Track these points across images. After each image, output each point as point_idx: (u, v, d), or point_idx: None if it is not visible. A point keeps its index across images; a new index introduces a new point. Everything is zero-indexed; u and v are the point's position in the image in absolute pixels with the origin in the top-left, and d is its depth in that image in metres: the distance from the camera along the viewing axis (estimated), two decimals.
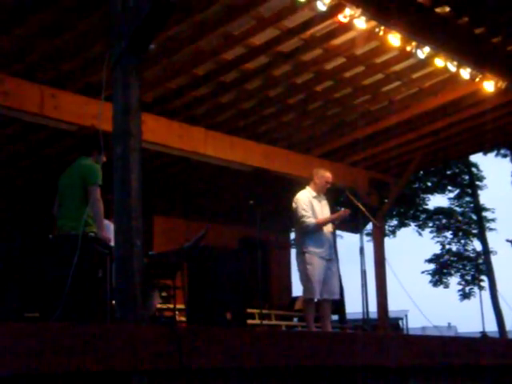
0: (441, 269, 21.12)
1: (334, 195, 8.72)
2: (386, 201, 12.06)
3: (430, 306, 12.06)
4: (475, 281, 20.59)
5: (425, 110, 9.56)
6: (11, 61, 7.16)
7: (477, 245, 20.97)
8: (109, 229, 5.94)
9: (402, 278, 8.59)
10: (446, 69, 7.90)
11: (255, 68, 8.00)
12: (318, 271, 6.91)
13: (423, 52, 7.45)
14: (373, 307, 9.74)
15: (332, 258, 7.13)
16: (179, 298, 7.42)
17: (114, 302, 4.79)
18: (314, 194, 7.21)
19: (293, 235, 14.98)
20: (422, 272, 21.35)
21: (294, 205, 7.16)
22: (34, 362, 3.18)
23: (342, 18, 6.84)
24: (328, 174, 7.32)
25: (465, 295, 20.58)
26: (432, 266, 21.26)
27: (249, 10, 6.81)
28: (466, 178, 20.84)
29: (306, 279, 6.95)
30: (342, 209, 7.42)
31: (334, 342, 4.97)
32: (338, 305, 11.61)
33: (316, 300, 7.03)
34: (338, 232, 16.54)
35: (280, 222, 12.82)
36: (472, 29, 7.37)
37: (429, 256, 21.35)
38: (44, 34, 6.72)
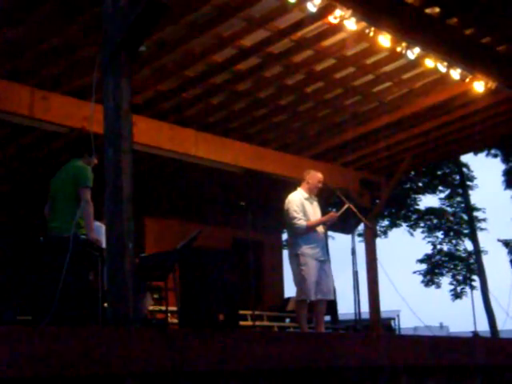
0: (432, 269, 21.16)
1: (325, 196, 8.73)
2: (378, 201, 12.09)
3: (421, 306, 12.12)
4: (467, 281, 20.68)
5: (415, 110, 9.58)
6: (1, 63, 7.13)
7: (468, 245, 21.09)
8: (101, 230, 5.93)
9: (393, 279, 8.62)
10: (436, 69, 7.93)
11: (246, 69, 8.00)
12: (313, 272, 6.91)
13: (413, 53, 7.48)
14: (365, 307, 9.78)
15: (325, 258, 7.14)
16: (171, 300, 7.41)
17: (105, 304, 4.78)
18: (306, 195, 7.21)
19: (285, 236, 14.98)
20: (414, 272, 21.44)
21: (285, 206, 7.16)
22: (26, 366, 3.16)
23: (333, 19, 6.86)
24: (319, 175, 7.32)
25: (456, 295, 20.64)
26: (424, 266, 21.33)
27: (239, 12, 6.81)
28: (457, 178, 20.92)
29: (300, 280, 6.94)
30: (334, 210, 7.42)
31: (326, 342, 4.98)
32: (331, 305, 11.61)
33: (309, 301, 7.03)
34: (330, 233, 16.54)
35: (272, 223, 12.81)
36: (462, 29, 7.40)
37: (420, 256, 21.44)
38: (34, 35, 6.70)
